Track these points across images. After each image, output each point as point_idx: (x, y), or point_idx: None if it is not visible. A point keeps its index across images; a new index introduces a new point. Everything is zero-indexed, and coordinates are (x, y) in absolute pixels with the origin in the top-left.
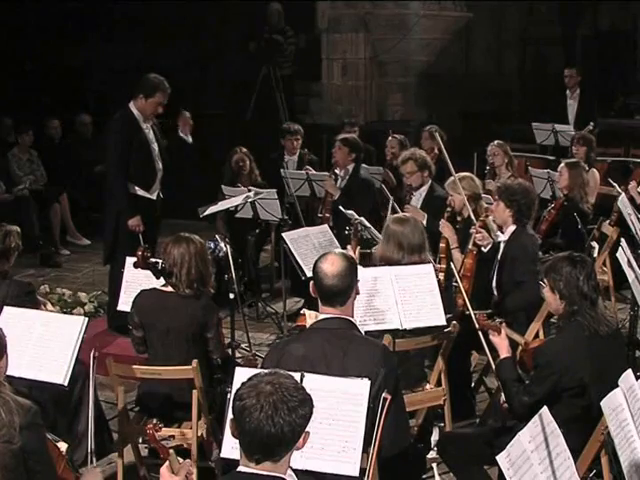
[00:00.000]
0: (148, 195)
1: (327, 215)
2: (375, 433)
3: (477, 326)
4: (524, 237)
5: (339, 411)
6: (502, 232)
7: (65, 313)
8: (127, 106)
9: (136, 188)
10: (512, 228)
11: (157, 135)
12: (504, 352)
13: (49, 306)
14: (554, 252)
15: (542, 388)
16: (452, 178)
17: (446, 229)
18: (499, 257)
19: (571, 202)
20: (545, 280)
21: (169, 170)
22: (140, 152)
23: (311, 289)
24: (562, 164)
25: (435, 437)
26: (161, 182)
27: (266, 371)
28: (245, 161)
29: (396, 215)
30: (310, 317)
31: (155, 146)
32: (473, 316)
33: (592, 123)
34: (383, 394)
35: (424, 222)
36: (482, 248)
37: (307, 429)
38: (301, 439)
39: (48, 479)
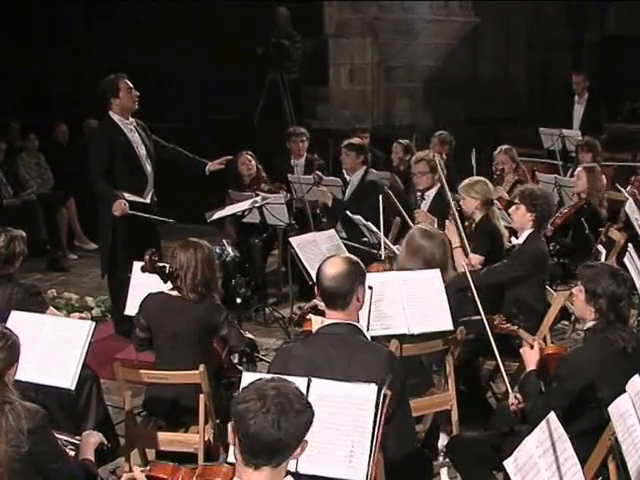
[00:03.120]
0: (141, 199)
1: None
2: (376, 431)
3: (489, 330)
4: (535, 242)
5: (346, 416)
6: (516, 237)
7: None
8: (107, 115)
9: (126, 194)
10: (527, 232)
11: (144, 138)
12: (532, 365)
13: (53, 310)
14: (560, 248)
15: (565, 400)
16: (467, 181)
17: (450, 229)
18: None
19: (590, 206)
20: (582, 287)
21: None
22: (125, 156)
23: (316, 292)
24: (579, 168)
25: (442, 442)
26: (154, 185)
27: (268, 377)
28: (250, 161)
29: (422, 227)
30: (316, 322)
31: (142, 149)
32: (485, 321)
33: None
34: (383, 390)
35: (435, 225)
36: None
37: (310, 435)
38: (299, 448)
39: (66, 471)
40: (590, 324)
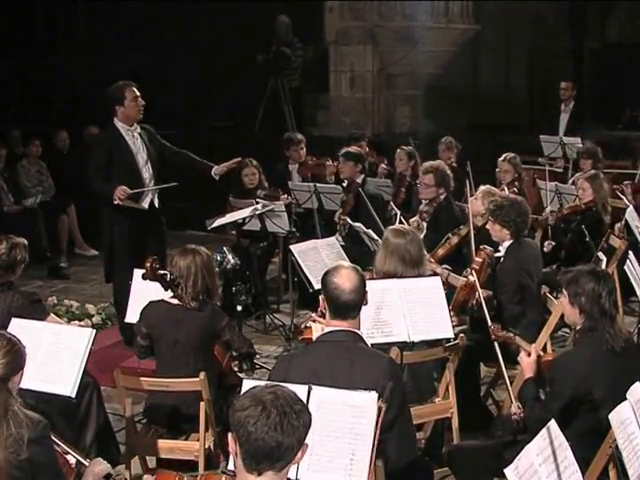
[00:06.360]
0: (136, 206)
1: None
2: (372, 442)
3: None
4: (514, 252)
5: (346, 424)
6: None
7: None
8: (112, 122)
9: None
10: (507, 244)
11: (148, 144)
12: (530, 372)
13: (54, 318)
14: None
15: (558, 403)
16: (487, 187)
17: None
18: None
19: (594, 213)
20: (565, 292)
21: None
22: (122, 163)
23: (321, 303)
24: (581, 180)
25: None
26: (156, 191)
27: (263, 384)
28: (255, 173)
29: (394, 228)
30: (317, 330)
31: (143, 155)
32: (490, 329)
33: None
34: (378, 402)
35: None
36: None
37: (311, 442)
38: (300, 452)
39: None
40: (579, 326)
